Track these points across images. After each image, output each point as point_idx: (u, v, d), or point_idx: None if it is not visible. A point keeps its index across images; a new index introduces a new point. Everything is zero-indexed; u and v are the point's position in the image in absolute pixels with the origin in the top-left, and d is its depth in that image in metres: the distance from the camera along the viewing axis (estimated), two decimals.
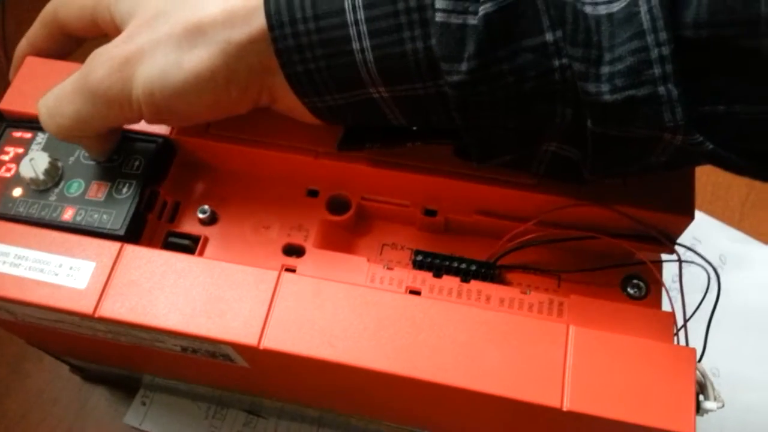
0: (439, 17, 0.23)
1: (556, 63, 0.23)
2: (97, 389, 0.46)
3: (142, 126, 0.30)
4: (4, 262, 0.28)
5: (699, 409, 0.26)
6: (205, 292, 0.27)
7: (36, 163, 0.30)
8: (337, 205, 0.32)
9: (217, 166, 0.33)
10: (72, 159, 0.31)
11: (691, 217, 0.29)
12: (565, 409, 0.25)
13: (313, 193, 0.32)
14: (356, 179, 0.31)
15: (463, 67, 0.23)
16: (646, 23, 0.21)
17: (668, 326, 0.29)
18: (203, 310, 0.27)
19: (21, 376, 0.46)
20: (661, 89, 0.21)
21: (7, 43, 0.55)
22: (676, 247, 0.30)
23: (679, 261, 0.30)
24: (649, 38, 0.21)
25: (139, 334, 0.28)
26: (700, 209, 0.29)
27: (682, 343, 0.28)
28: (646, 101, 0.22)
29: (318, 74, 0.25)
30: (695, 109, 0.22)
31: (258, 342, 0.26)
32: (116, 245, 0.28)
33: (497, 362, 0.26)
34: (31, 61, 0.33)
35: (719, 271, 0.30)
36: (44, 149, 0.31)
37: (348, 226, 0.32)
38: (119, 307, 0.27)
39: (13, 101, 0.32)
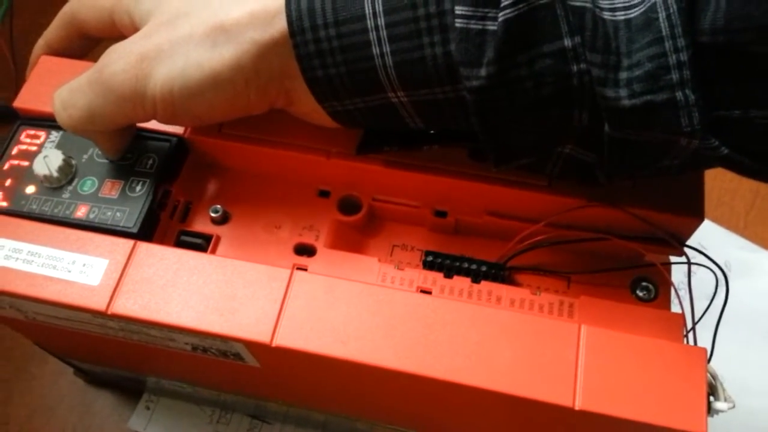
0: (458, 23, 0.24)
1: (575, 68, 0.23)
2: (101, 393, 0.46)
3: (156, 125, 0.30)
4: (17, 259, 0.28)
5: (710, 410, 0.26)
6: (218, 290, 0.27)
7: (50, 160, 0.30)
8: (349, 206, 0.32)
9: (229, 165, 0.33)
10: (85, 157, 0.31)
11: (701, 219, 0.29)
12: (577, 408, 0.25)
13: (324, 194, 0.33)
14: (368, 180, 0.31)
15: (482, 72, 0.23)
16: (664, 29, 0.21)
17: (678, 328, 0.29)
18: (216, 307, 0.27)
19: (26, 378, 0.46)
20: (679, 94, 0.22)
21: (15, 46, 0.55)
22: (685, 250, 0.30)
23: (689, 263, 0.30)
24: (668, 44, 0.21)
25: (150, 332, 0.28)
26: (705, 216, 0.29)
27: (691, 344, 0.28)
28: (664, 106, 0.22)
29: (338, 79, 0.26)
30: (711, 113, 0.22)
31: (270, 340, 0.26)
32: (129, 243, 0.28)
33: (509, 361, 0.26)
34: (45, 59, 0.33)
35: (719, 277, 0.31)
36: (58, 147, 0.31)
37: (359, 226, 0.32)
38: (132, 304, 0.27)
39: (28, 99, 0.32)
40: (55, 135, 0.31)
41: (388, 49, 0.25)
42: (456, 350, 0.26)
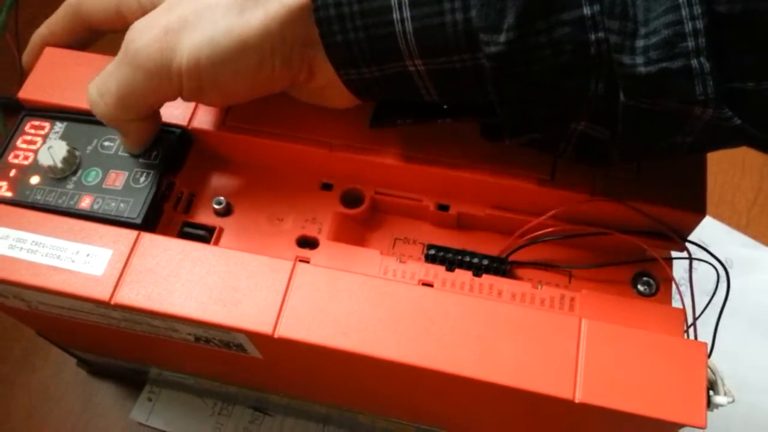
0: None
1: (592, 37, 0.23)
2: (103, 384, 0.46)
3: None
4: (21, 249, 0.28)
5: (709, 404, 0.26)
6: (221, 281, 0.27)
7: (54, 151, 0.30)
8: (351, 199, 0.32)
9: (232, 157, 0.33)
10: (90, 148, 0.31)
11: (703, 214, 0.29)
12: (577, 401, 0.25)
13: (327, 187, 0.33)
14: (370, 173, 0.32)
15: (502, 38, 0.24)
16: None
17: (678, 323, 0.29)
18: (219, 298, 0.27)
19: (28, 370, 0.46)
20: (694, 62, 0.22)
21: (20, 38, 0.55)
22: (687, 245, 0.30)
23: (690, 258, 0.30)
24: (684, 12, 0.22)
25: (153, 322, 0.29)
26: (707, 213, 0.29)
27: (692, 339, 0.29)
28: (679, 74, 0.22)
29: (357, 45, 0.26)
30: (725, 84, 0.22)
31: (273, 330, 0.26)
32: (133, 233, 0.28)
33: (510, 354, 0.26)
34: (49, 51, 0.33)
35: (720, 273, 0.31)
36: (62, 138, 0.31)
37: (361, 219, 0.33)
38: (135, 295, 0.27)
39: (32, 90, 0.32)
40: (59, 126, 0.32)
41: (409, 15, 0.25)
42: (457, 342, 0.26)
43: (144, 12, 0.29)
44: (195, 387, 0.43)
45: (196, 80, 0.27)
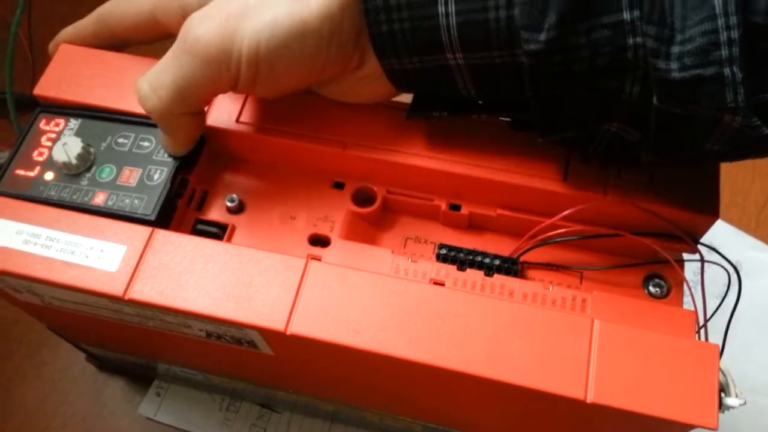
0: None
1: (630, 41, 0.24)
2: (112, 379, 0.46)
3: None
4: (36, 244, 0.28)
5: (721, 406, 0.26)
6: (234, 278, 0.28)
7: (69, 147, 0.30)
8: (363, 198, 0.33)
9: (245, 155, 0.33)
10: (104, 145, 0.31)
11: (716, 217, 0.29)
12: (589, 401, 0.25)
13: (339, 185, 0.33)
14: (382, 172, 0.32)
15: (542, 36, 0.24)
16: (718, 7, 0.22)
17: (690, 325, 0.29)
18: (232, 294, 0.27)
19: (38, 364, 0.46)
20: (727, 70, 0.22)
21: (33, 35, 0.56)
22: (698, 247, 0.30)
23: (702, 261, 0.30)
24: (720, 21, 0.22)
25: (166, 318, 0.29)
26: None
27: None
28: (712, 81, 0.23)
29: (401, 35, 0.27)
30: (756, 95, 0.23)
31: (285, 327, 0.27)
32: (147, 230, 0.29)
33: (522, 353, 0.26)
34: (65, 48, 0.33)
35: (731, 276, 0.31)
36: (77, 134, 0.31)
37: (373, 218, 0.33)
38: (149, 290, 0.27)
39: (47, 87, 0.32)
40: (74, 122, 0.32)
41: (454, 9, 0.26)
42: (468, 341, 0.26)
43: (184, 15, 0.29)
44: (203, 382, 0.44)
45: (254, 67, 0.27)
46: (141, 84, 0.28)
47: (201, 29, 0.27)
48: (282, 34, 0.26)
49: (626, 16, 0.24)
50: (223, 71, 0.27)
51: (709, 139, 0.25)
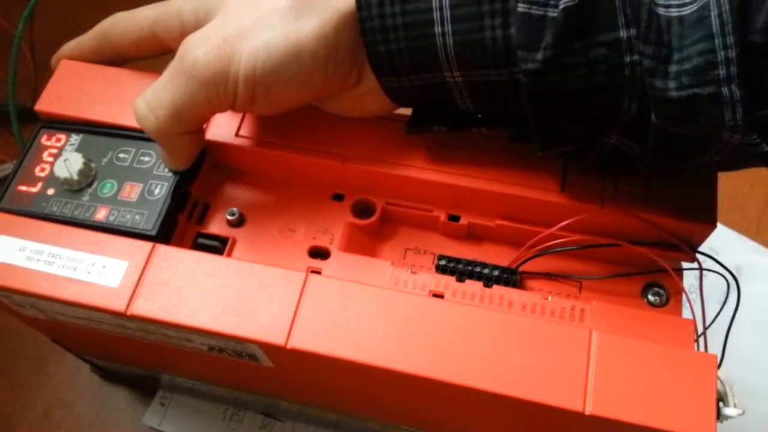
0: (521, 7, 0.25)
1: (627, 59, 0.24)
2: (116, 390, 0.47)
3: None
4: (38, 260, 0.29)
5: (719, 416, 0.26)
6: (234, 293, 0.28)
7: (70, 163, 0.30)
8: (362, 209, 0.33)
9: (245, 168, 0.34)
10: (105, 160, 0.31)
11: (713, 226, 0.29)
12: (587, 413, 0.25)
13: (338, 197, 0.33)
14: (381, 184, 0.32)
15: (539, 56, 0.24)
16: (715, 27, 0.22)
17: (689, 334, 0.29)
18: (232, 309, 0.27)
19: (43, 375, 0.47)
20: (725, 89, 0.22)
21: (35, 48, 0.56)
22: (697, 256, 0.30)
23: (700, 269, 0.30)
24: (717, 41, 0.22)
25: (168, 332, 0.29)
26: (718, 220, 0.29)
27: (702, 350, 0.29)
28: (709, 100, 0.23)
29: (398, 55, 0.27)
30: (755, 113, 0.23)
31: (285, 342, 0.27)
32: (148, 245, 0.29)
33: (520, 366, 0.26)
34: (65, 63, 0.34)
35: (730, 282, 0.31)
36: (78, 150, 0.32)
37: (372, 230, 0.33)
38: (151, 306, 0.28)
39: (48, 103, 0.33)
40: (75, 138, 0.32)
41: (450, 29, 0.26)
42: (467, 354, 0.26)
43: (183, 33, 0.29)
44: (207, 392, 0.44)
45: (251, 87, 0.27)
46: (139, 103, 0.29)
47: (198, 51, 0.27)
48: (278, 55, 0.27)
49: (622, 34, 0.24)
50: (221, 92, 0.27)
51: (708, 153, 0.25)
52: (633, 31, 0.24)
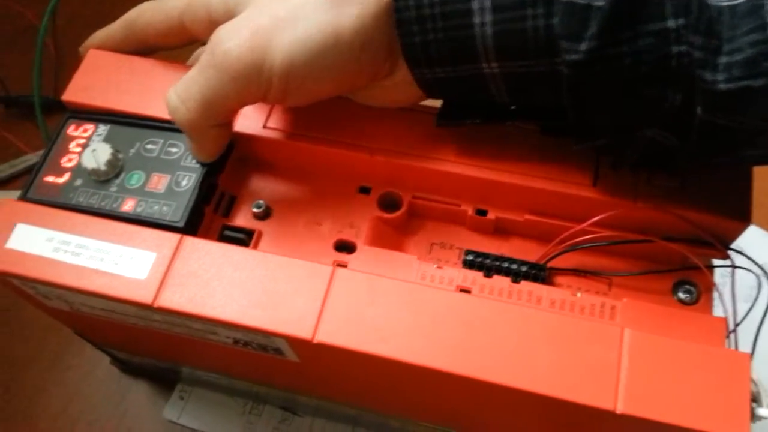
0: None
1: (675, 49, 0.24)
2: (135, 383, 0.47)
3: None
4: (66, 251, 0.29)
5: (752, 416, 0.26)
6: (261, 285, 0.28)
7: (98, 154, 0.30)
8: (389, 203, 0.32)
9: (271, 161, 0.33)
10: (132, 151, 0.31)
11: (748, 223, 0.29)
12: (618, 412, 0.25)
13: (365, 191, 0.33)
14: (408, 177, 0.32)
15: (583, 46, 0.24)
16: None
17: (720, 332, 0.29)
18: (259, 302, 0.27)
19: (62, 368, 0.47)
20: None
21: (58, 37, 0.56)
22: (729, 253, 0.30)
23: (732, 266, 0.30)
24: None
25: (194, 324, 0.29)
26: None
27: (733, 348, 0.28)
28: (761, 92, 0.22)
29: (434, 45, 0.27)
30: None
31: (312, 336, 0.27)
32: (176, 237, 0.29)
33: (551, 363, 0.26)
34: (93, 53, 0.33)
35: (761, 280, 0.30)
36: (106, 140, 0.31)
37: (399, 224, 0.33)
38: (178, 298, 0.27)
39: (76, 93, 0.33)
40: (102, 128, 0.32)
41: (490, 19, 0.25)
42: (496, 350, 0.26)
43: (212, 22, 0.29)
44: (226, 386, 0.44)
45: (284, 80, 0.27)
46: (170, 95, 0.29)
47: (230, 43, 0.27)
48: (315, 47, 0.26)
49: (671, 23, 0.23)
50: (253, 85, 0.27)
51: (750, 146, 0.25)
52: (681, 21, 0.23)
